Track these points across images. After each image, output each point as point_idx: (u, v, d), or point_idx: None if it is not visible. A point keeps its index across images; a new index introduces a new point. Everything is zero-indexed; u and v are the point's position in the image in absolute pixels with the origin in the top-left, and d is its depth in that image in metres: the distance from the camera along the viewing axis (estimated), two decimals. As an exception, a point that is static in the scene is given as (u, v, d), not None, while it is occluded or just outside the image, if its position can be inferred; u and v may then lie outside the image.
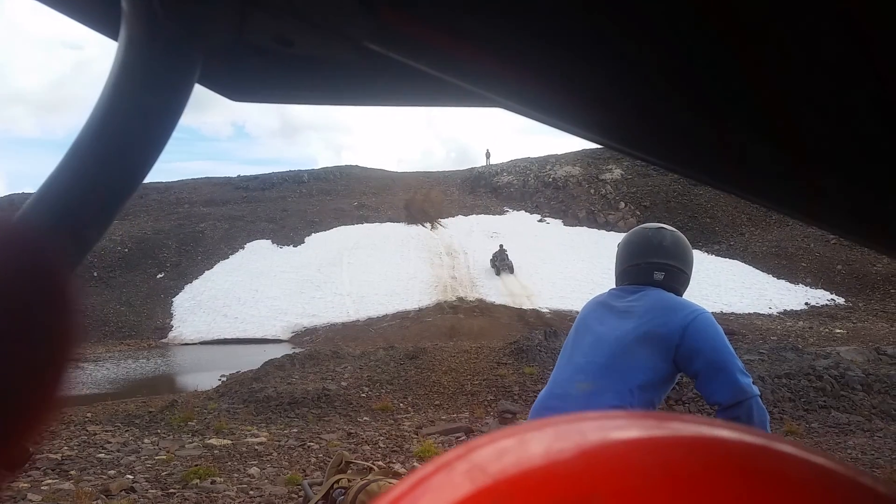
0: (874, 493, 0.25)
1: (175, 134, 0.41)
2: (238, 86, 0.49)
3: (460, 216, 33.37)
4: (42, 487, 5.87)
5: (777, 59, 0.37)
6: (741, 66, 0.38)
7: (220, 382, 12.61)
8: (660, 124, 0.42)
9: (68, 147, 0.39)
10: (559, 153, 39.96)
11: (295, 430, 8.40)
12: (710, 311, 2.10)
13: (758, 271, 24.64)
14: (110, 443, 7.71)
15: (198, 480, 6.11)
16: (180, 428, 8.55)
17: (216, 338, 22.08)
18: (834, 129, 0.40)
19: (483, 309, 21.38)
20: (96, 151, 0.38)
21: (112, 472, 6.53)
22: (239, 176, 42.17)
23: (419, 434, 7.92)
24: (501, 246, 26.54)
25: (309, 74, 0.48)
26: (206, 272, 27.91)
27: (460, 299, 22.50)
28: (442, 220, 32.62)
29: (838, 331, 17.08)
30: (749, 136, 0.41)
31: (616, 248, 2.30)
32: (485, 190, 38.28)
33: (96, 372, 16.06)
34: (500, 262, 25.88)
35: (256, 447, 7.44)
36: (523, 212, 34.80)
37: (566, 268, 25.07)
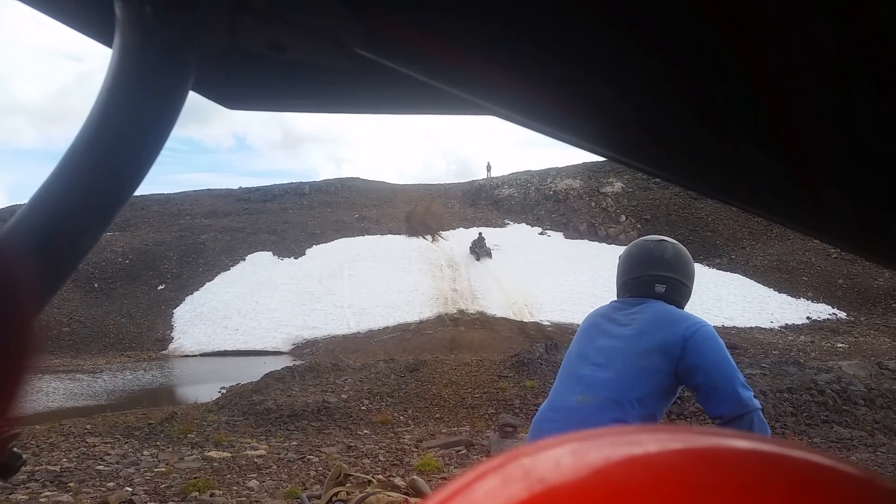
0: None
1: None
2: (232, 93, 0.49)
3: (461, 228, 33.38)
4: (41, 500, 5.84)
5: (779, 71, 0.37)
6: (742, 77, 0.37)
7: (220, 394, 12.56)
8: (657, 134, 0.42)
9: (64, 154, 0.39)
10: (560, 166, 40.12)
11: (294, 443, 8.36)
12: (712, 324, 2.09)
13: (759, 285, 24.56)
14: (109, 455, 7.68)
15: (197, 493, 6.08)
16: (180, 440, 8.51)
17: (216, 349, 22.02)
18: (835, 141, 0.40)
19: (484, 321, 21.32)
20: (91, 159, 0.38)
21: (111, 484, 6.50)
22: (240, 188, 42.34)
23: (419, 447, 7.88)
24: (480, 233, 28.49)
25: (303, 82, 0.48)
26: (207, 284, 27.89)
27: (461, 312, 22.45)
28: (443, 233, 32.64)
29: (840, 345, 17.01)
30: (750, 147, 0.41)
31: (617, 261, 2.29)
32: (486, 202, 38.32)
33: (95, 383, 16.03)
34: (480, 249, 27.67)
35: (256, 460, 7.41)
36: (524, 224, 34.83)
37: (567, 280, 25.02)
